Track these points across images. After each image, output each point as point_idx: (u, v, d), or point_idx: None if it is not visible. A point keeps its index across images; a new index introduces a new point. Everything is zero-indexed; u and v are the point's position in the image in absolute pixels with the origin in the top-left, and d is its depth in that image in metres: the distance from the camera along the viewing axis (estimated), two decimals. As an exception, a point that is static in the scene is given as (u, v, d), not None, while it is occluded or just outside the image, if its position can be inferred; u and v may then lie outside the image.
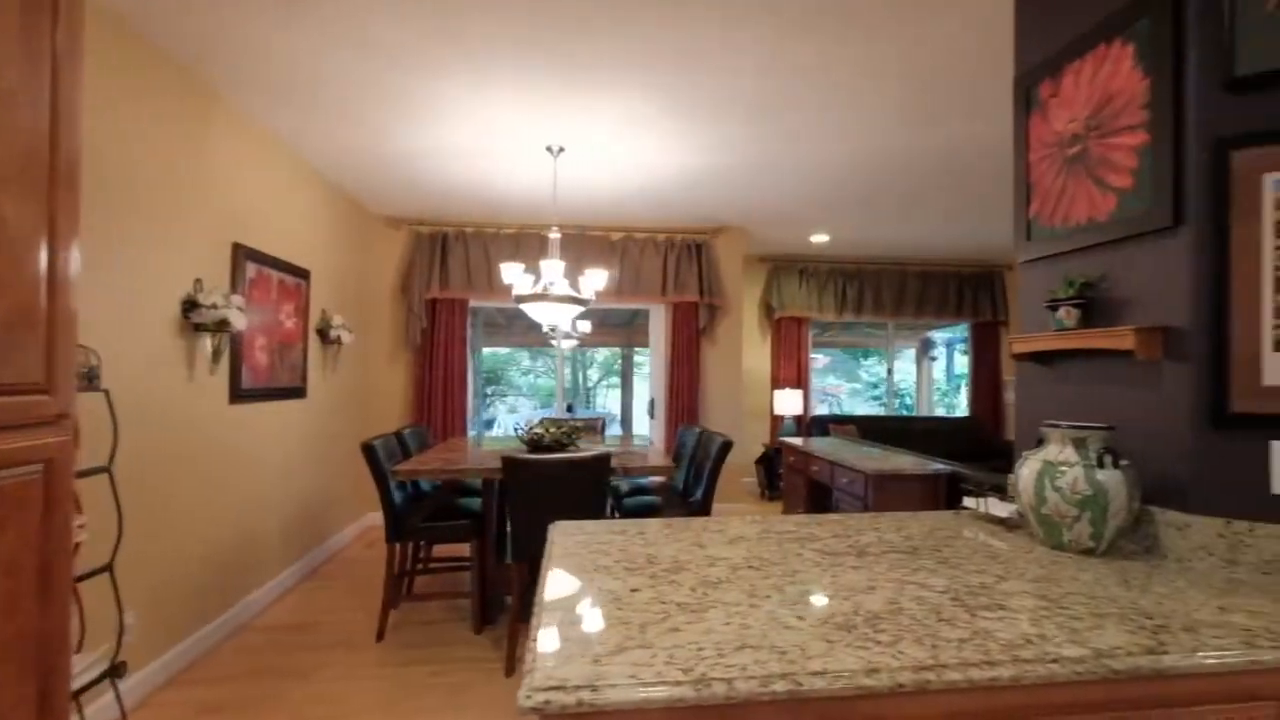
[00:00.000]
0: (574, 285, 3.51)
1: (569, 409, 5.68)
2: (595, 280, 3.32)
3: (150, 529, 2.36)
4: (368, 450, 2.79)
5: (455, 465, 2.80)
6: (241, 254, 2.92)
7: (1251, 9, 1.21)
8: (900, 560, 1.26)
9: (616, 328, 9.56)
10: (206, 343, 2.66)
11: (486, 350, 11.63)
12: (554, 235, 3.37)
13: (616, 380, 11.64)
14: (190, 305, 2.51)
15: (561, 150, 3.37)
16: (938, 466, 2.92)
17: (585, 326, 7.78)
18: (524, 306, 3.17)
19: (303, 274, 3.61)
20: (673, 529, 1.51)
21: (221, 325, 2.58)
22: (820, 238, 5.73)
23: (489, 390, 12.12)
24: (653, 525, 1.55)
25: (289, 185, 3.50)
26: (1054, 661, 0.82)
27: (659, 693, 0.75)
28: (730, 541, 1.40)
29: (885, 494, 2.86)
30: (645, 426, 6.13)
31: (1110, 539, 1.28)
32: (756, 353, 6.58)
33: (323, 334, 3.87)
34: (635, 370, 10.19)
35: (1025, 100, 1.73)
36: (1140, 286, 1.40)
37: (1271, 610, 1.00)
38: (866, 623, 0.94)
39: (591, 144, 3.34)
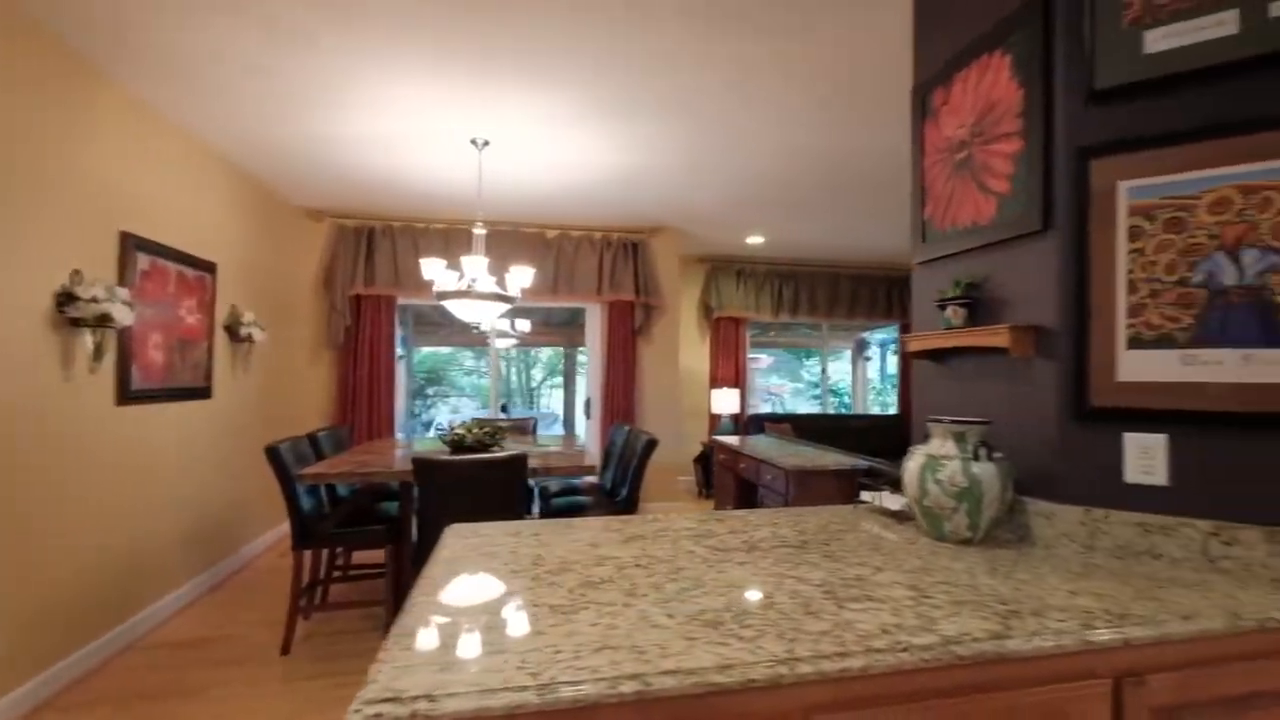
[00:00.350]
0: (501, 282, 3.43)
1: (504, 409, 5.57)
2: (521, 277, 3.25)
3: (18, 541, 2.15)
4: (272, 453, 2.64)
5: (367, 468, 2.69)
6: (131, 244, 2.71)
7: (1108, 27, 1.28)
8: (787, 555, 1.27)
9: (559, 327, 9.47)
10: (87, 339, 2.45)
11: (427, 350, 11.31)
12: (479, 231, 3.29)
13: (561, 380, 11.55)
14: (66, 298, 2.31)
15: (486, 144, 3.29)
16: (854, 462, 3.01)
17: (525, 325, 7.68)
18: (446, 303, 3.07)
19: (207, 266, 3.39)
20: (572, 529, 1.49)
21: (103, 320, 2.38)
22: (755, 239, 5.83)
23: (430, 391, 11.82)
24: (552, 526, 1.52)
25: (190, 172, 3.28)
26: (904, 650, 0.83)
27: (499, 700, 0.71)
28: (626, 540, 1.38)
29: (805, 489, 2.92)
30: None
31: (986, 528, 1.34)
32: (695, 352, 6.64)
33: (232, 331, 3.65)
34: (578, 370, 10.12)
35: (921, 107, 1.80)
36: (1017, 287, 1.46)
37: (1115, 592, 1.06)
38: (735, 619, 0.94)
39: (517, 139, 3.28)
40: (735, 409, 6.34)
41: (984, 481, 1.30)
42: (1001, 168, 1.48)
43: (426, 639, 0.86)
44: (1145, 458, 1.24)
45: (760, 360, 9.71)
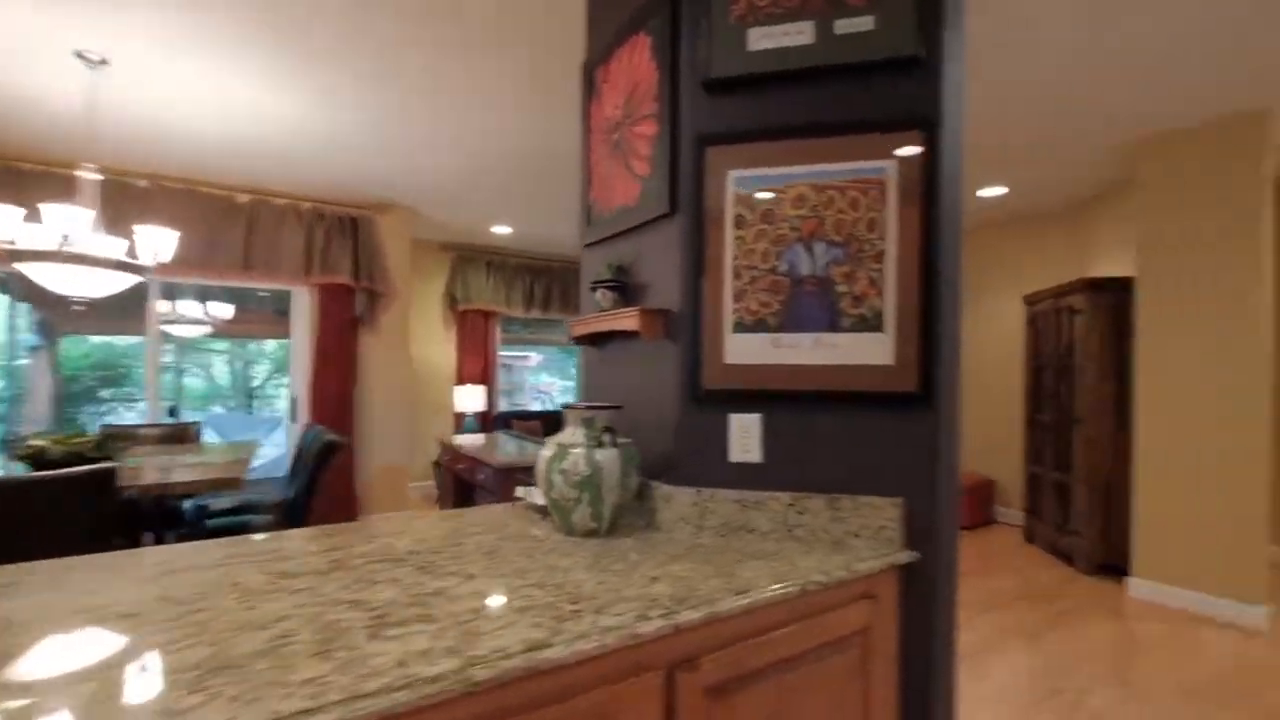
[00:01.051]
0: (131, 249, 2.65)
1: (171, 412, 4.49)
2: (157, 241, 2.53)
3: None
4: None
5: None
6: None
7: (720, 19, 1.32)
8: (377, 571, 1.05)
9: (283, 315, 8.08)
10: None
11: (97, 339, 8.82)
12: (87, 174, 2.48)
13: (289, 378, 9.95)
14: None
15: (103, 63, 2.49)
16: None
17: (226, 311, 6.34)
18: (20, 266, 2.23)
19: None
20: (116, 566, 1.07)
21: None
22: (502, 229, 5.61)
23: (105, 393, 9.23)
24: (76, 564, 1.08)
25: None
26: (402, 689, 0.67)
27: None
28: (166, 574, 1.03)
29: (514, 485, 2.78)
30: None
31: (610, 517, 1.28)
32: (439, 348, 6.17)
33: None
34: (309, 366, 8.77)
35: (589, 86, 1.74)
36: (654, 271, 1.46)
37: (695, 573, 1.05)
38: (199, 678, 0.68)
39: (152, 63, 2.54)
40: (482, 406, 6.03)
41: (605, 468, 1.24)
42: (643, 150, 1.47)
43: None
44: (745, 436, 1.30)
45: (530, 358, 9.54)
